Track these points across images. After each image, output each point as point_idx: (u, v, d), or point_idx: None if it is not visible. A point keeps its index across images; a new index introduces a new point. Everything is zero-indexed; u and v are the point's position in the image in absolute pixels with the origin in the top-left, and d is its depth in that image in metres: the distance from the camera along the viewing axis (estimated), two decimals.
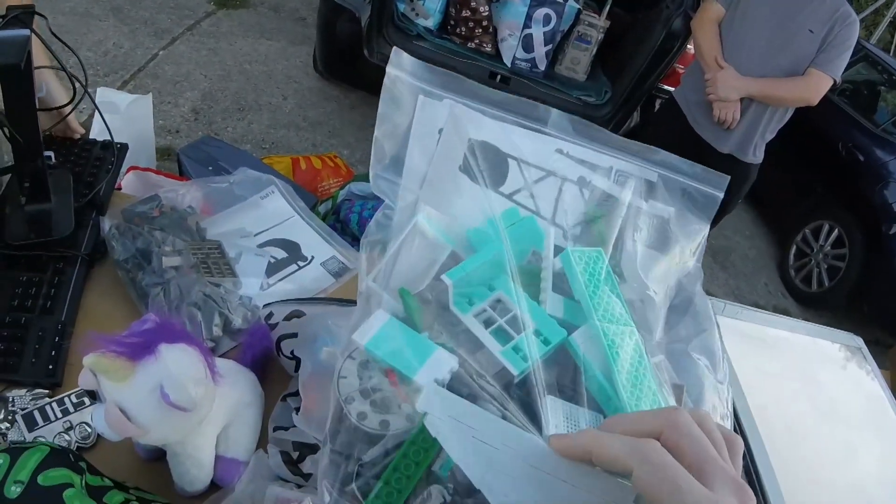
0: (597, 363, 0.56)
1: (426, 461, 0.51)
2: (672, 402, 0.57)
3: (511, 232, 0.61)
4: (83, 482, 0.74)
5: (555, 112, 0.68)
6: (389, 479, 0.50)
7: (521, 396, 0.53)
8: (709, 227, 0.70)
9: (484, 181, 0.62)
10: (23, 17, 1.05)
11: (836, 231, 5.23)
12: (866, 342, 1.70)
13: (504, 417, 0.50)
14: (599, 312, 0.59)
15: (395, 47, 0.65)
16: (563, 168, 0.65)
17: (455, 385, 0.52)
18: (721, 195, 0.70)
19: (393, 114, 0.60)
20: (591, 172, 0.67)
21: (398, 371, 0.53)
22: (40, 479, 0.71)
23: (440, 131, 0.62)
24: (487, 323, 0.56)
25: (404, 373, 0.52)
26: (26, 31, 1.03)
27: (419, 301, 0.57)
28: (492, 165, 0.63)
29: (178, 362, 0.76)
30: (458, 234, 0.61)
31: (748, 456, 1.15)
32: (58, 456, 0.74)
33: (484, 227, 0.61)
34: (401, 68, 0.63)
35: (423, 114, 0.61)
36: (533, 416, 0.51)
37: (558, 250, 0.61)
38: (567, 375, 0.56)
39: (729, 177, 0.72)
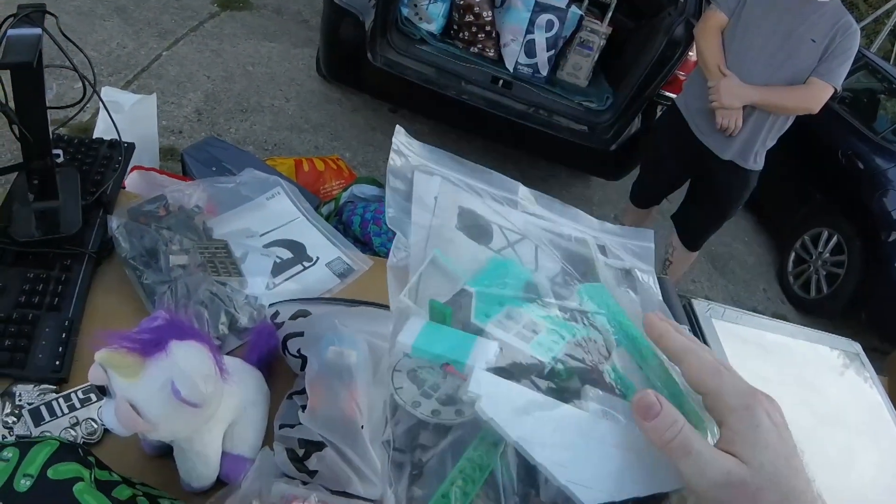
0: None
1: (489, 465, 0.51)
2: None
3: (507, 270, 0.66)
4: (92, 476, 0.75)
5: (521, 187, 0.76)
6: (455, 480, 0.51)
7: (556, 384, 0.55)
8: (654, 269, 0.77)
9: (475, 239, 0.68)
10: (34, 15, 1.06)
11: (835, 238, 5.24)
12: (863, 349, 1.71)
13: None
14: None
15: (398, 126, 0.70)
16: (534, 232, 0.71)
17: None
18: (651, 245, 0.77)
19: (397, 177, 0.67)
20: (557, 237, 0.73)
21: (450, 360, 0.55)
22: (50, 473, 0.71)
23: (436, 198, 0.67)
24: (507, 328, 0.58)
25: (457, 359, 0.54)
26: (38, 30, 1.04)
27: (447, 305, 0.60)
28: (479, 228, 0.68)
29: (188, 359, 0.77)
30: (467, 270, 0.64)
31: None
32: (67, 450, 0.75)
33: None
34: (400, 143, 0.70)
35: (419, 185, 0.67)
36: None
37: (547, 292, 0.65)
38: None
39: (652, 231, 0.78)
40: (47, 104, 1.12)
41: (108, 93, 2.64)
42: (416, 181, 0.67)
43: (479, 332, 0.57)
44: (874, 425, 1.50)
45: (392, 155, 0.67)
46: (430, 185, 0.68)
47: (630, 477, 0.50)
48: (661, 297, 0.73)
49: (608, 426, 0.52)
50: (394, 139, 0.69)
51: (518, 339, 0.57)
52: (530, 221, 0.74)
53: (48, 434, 0.94)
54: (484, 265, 0.65)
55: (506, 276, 0.65)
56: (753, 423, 0.49)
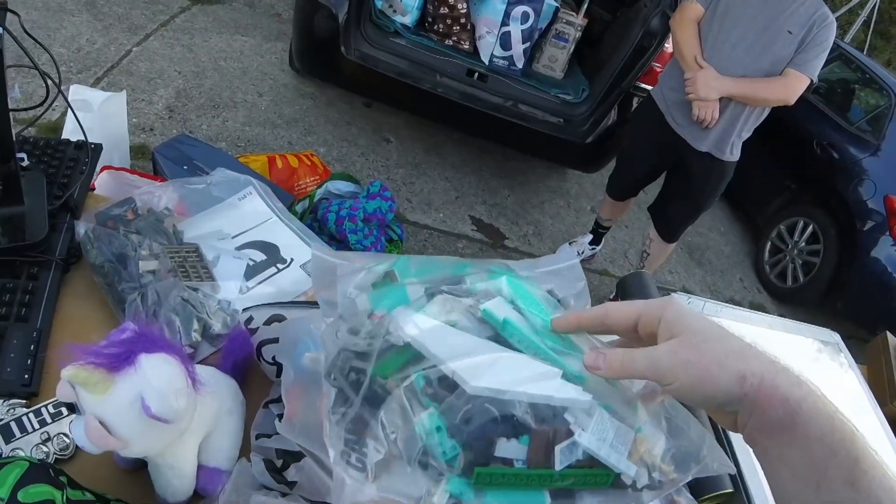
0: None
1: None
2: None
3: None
4: (64, 497, 0.72)
5: None
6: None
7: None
8: (583, 279, 0.85)
9: None
10: None
11: (811, 227, 5.30)
12: (842, 337, 1.71)
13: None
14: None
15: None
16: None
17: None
18: (577, 261, 0.86)
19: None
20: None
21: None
22: (21, 496, 0.69)
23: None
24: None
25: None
26: None
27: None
28: None
29: (158, 373, 0.74)
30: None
31: (731, 457, 1.15)
32: (38, 471, 0.73)
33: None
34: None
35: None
36: None
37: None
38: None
39: (573, 252, 0.91)
40: (12, 105, 1.09)
41: (76, 91, 2.59)
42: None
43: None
44: (855, 414, 1.50)
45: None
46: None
47: (513, 380, 0.61)
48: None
49: (496, 346, 0.66)
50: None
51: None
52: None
53: (19, 451, 0.91)
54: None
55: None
56: (678, 311, 0.62)
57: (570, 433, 0.61)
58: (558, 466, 0.60)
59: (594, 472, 0.62)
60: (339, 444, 0.62)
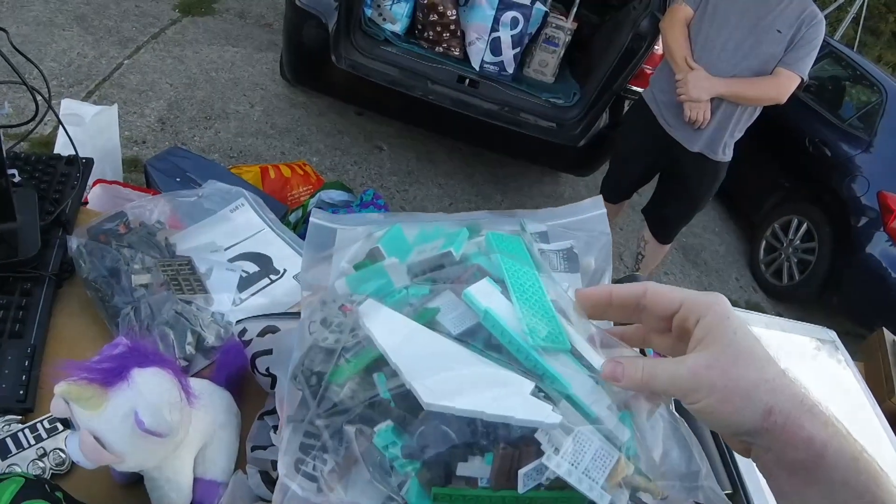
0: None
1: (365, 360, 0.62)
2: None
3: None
4: None
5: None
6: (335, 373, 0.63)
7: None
8: (609, 232, 0.80)
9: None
10: None
11: (805, 225, 5.30)
12: (838, 334, 1.72)
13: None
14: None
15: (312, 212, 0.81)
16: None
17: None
18: (603, 211, 0.80)
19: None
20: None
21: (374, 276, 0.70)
22: None
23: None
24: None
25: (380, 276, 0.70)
26: None
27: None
28: None
29: (151, 387, 0.74)
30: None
31: (729, 460, 1.15)
32: (33, 487, 0.73)
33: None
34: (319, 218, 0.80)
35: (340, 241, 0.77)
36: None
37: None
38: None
39: (601, 197, 0.82)
40: (2, 121, 1.09)
41: (68, 105, 2.60)
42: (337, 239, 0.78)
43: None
44: (852, 411, 1.50)
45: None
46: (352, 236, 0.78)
47: (474, 396, 0.57)
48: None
49: (465, 353, 0.61)
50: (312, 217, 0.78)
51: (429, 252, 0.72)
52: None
53: (16, 467, 0.91)
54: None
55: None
56: (721, 315, 0.58)
57: (540, 453, 0.56)
58: (521, 489, 0.56)
59: (565, 494, 0.57)
60: (294, 452, 0.61)
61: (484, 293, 0.64)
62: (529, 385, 0.59)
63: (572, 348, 0.63)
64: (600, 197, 0.81)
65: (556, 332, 0.63)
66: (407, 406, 0.58)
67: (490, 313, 0.62)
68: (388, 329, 0.62)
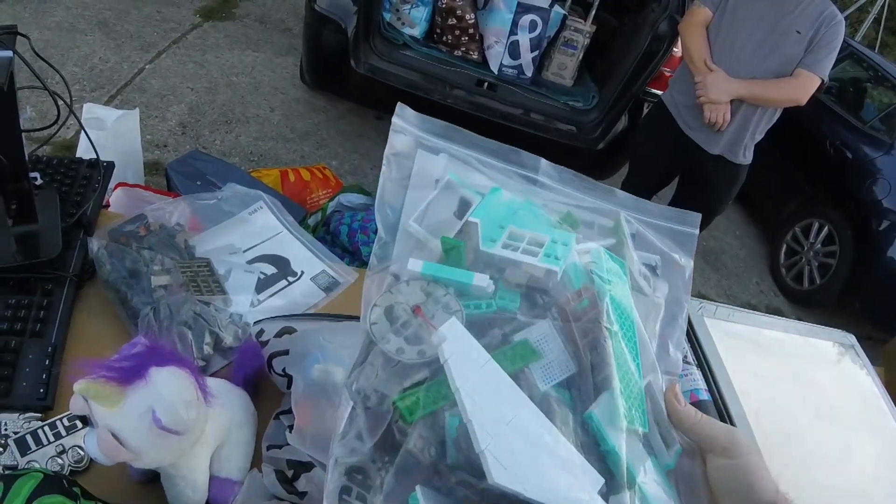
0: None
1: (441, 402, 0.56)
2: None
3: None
4: None
5: (544, 162, 0.74)
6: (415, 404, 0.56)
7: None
8: (692, 261, 0.76)
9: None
10: (4, 38, 1.05)
11: (826, 229, 5.26)
12: (858, 338, 1.70)
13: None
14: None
15: (399, 103, 0.71)
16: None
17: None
18: (696, 232, 0.76)
19: (397, 159, 0.67)
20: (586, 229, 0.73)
21: (456, 281, 0.62)
22: None
23: (437, 182, 0.69)
24: (513, 249, 0.64)
25: (463, 281, 0.62)
26: (9, 53, 1.02)
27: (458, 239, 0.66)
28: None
29: (168, 385, 0.75)
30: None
31: None
32: (51, 482, 0.74)
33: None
34: (404, 120, 0.70)
35: (421, 166, 0.68)
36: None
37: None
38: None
39: (700, 215, 0.77)
40: (23, 126, 1.10)
41: (90, 109, 2.63)
42: (417, 160, 0.68)
43: (490, 258, 0.64)
44: (871, 417, 1.49)
45: (392, 137, 0.68)
46: (433, 165, 0.69)
47: (544, 483, 0.53)
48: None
49: (549, 432, 0.55)
50: (394, 118, 0.69)
51: (526, 255, 0.63)
52: (552, 200, 0.74)
53: (35, 463, 0.93)
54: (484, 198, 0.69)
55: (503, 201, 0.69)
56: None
57: None
58: None
59: None
60: (339, 477, 0.57)
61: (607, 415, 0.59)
62: (600, 481, 0.55)
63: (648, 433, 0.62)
64: (698, 217, 0.77)
65: (640, 412, 0.61)
66: (466, 460, 0.54)
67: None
68: (470, 371, 0.56)
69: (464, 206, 0.68)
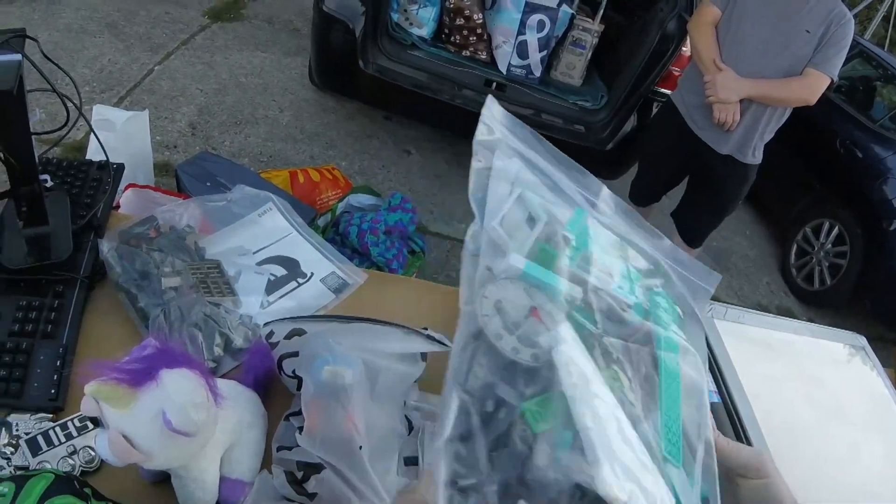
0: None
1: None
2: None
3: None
4: None
5: (605, 189, 0.75)
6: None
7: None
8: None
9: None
10: (13, 42, 1.05)
11: (837, 228, 5.22)
12: (869, 339, 1.70)
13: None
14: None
15: (489, 96, 0.73)
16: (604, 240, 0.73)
17: None
18: (712, 291, 0.77)
19: (482, 149, 0.69)
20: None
21: (550, 286, 0.60)
22: None
23: (511, 185, 0.69)
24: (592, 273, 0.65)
25: (558, 287, 0.60)
26: (18, 56, 1.03)
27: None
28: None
29: (179, 387, 0.75)
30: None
31: None
32: (63, 483, 0.74)
33: None
34: (492, 114, 0.72)
35: (499, 164, 0.69)
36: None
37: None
38: None
39: (720, 276, 0.78)
40: (33, 129, 1.11)
41: (99, 110, 2.63)
42: (495, 159, 0.69)
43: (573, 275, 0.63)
44: (881, 418, 1.49)
45: (480, 127, 0.70)
46: (511, 165, 0.70)
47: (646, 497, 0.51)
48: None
49: (641, 445, 0.55)
50: (483, 110, 0.71)
51: (602, 281, 0.65)
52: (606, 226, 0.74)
53: (46, 464, 0.93)
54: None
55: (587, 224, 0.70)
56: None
57: None
58: None
59: None
60: (445, 490, 0.50)
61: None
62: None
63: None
64: (719, 277, 0.78)
65: (677, 448, 0.61)
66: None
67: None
68: (582, 381, 0.55)
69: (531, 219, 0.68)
